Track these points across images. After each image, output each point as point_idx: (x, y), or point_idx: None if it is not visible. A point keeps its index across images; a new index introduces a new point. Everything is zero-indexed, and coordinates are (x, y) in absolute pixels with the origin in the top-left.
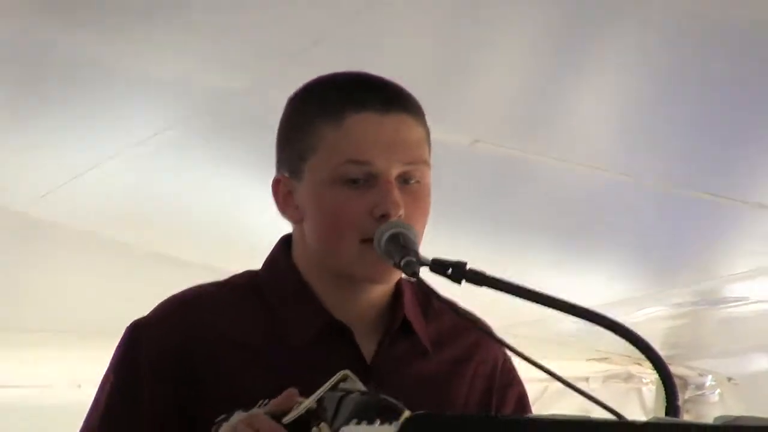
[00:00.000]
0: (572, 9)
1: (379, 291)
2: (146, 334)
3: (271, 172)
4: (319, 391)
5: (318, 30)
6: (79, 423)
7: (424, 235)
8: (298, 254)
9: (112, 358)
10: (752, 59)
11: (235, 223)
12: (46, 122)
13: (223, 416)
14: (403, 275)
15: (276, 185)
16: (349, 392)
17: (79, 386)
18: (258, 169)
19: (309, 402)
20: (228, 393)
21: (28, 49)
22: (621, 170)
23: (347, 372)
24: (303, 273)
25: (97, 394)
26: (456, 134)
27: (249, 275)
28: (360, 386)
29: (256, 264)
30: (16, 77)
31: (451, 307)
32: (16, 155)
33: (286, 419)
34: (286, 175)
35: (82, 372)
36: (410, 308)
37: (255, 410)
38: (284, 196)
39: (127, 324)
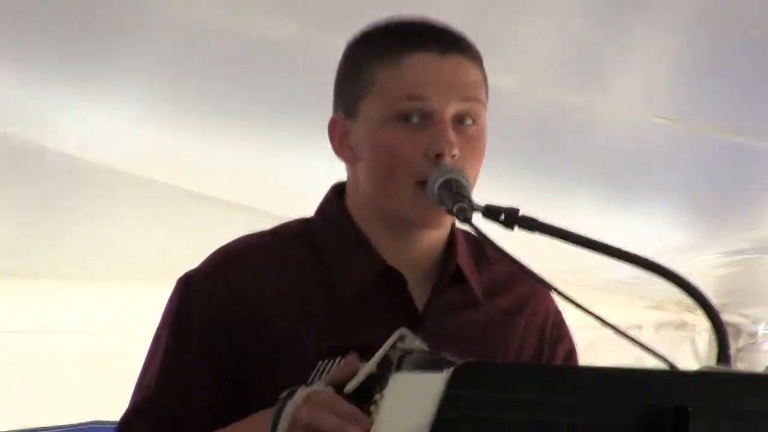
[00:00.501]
0: None
1: (433, 238)
2: (198, 289)
3: (315, 117)
4: (377, 355)
5: None
6: (118, 369)
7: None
8: (351, 199)
9: (165, 312)
10: None
11: (278, 167)
12: (91, 65)
13: (285, 393)
14: (458, 224)
15: (332, 126)
16: (408, 352)
17: (113, 332)
18: (302, 115)
19: (369, 368)
20: (282, 345)
21: None
22: (672, 116)
23: (404, 331)
24: (356, 219)
25: (151, 347)
26: (506, 79)
27: (300, 223)
28: (418, 344)
29: (297, 208)
30: (63, 22)
31: (503, 254)
32: (65, 99)
33: (348, 388)
34: (343, 115)
35: (126, 316)
36: (463, 257)
37: (317, 385)
38: (340, 137)
39: (173, 266)
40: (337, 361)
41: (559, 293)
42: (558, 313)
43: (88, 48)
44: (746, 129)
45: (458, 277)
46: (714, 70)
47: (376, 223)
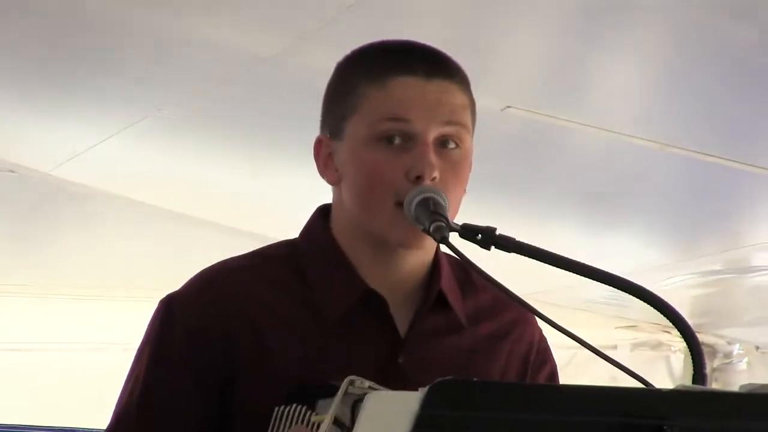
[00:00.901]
0: None
1: (416, 261)
2: (181, 310)
3: (297, 139)
4: (330, 413)
5: None
6: (103, 384)
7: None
8: (335, 221)
9: (147, 333)
10: None
11: (262, 188)
12: (76, 85)
13: None
14: (443, 247)
15: (318, 146)
16: (361, 396)
17: (107, 350)
18: (284, 136)
19: (328, 422)
20: (263, 367)
21: (59, 10)
22: (650, 137)
23: (352, 377)
24: (340, 241)
25: (132, 368)
26: (488, 100)
27: (285, 245)
28: (371, 385)
29: (281, 229)
30: (46, 40)
31: (481, 273)
32: (46, 117)
33: None
34: (328, 135)
35: (113, 334)
36: (447, 282)
37: None
38: (325, 158)
39: (156, 284)
40: (293, 407)
41: (537, 313)
42: (543, 339)
43: (73, 68)
44: (723, 151)
45: (442, 302)
46: (693, 92)
47: (360, 244)
